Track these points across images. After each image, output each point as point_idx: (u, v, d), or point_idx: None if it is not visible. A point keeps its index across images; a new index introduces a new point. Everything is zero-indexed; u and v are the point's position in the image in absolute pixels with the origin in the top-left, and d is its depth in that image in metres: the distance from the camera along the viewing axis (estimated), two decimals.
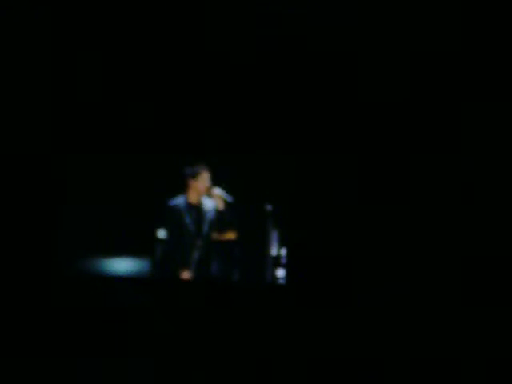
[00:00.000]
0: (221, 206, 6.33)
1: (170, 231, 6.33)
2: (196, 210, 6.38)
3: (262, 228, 6.58)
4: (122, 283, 5.51)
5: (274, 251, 6.64)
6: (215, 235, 6.37)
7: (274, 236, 6.63)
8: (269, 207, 6.55)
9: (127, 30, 6.13)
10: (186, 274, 6.23)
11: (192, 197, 6.38)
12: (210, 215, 6.38)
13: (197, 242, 6.29)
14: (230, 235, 6.46)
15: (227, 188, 6.42)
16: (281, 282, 6.55)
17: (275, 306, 5.65)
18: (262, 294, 5.79)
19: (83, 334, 5.01)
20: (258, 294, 5.81)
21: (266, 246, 6.58)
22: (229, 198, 6.36)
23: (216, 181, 6.39)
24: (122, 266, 6.41)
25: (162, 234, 6.32)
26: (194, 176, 6.32)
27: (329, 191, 5.98)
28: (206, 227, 6.35)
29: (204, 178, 6.32)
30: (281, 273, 6.63)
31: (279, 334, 5.29)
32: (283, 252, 6.67)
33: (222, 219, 6.34)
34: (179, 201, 6.39)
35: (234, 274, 6.50)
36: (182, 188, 6.38)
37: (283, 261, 6.65)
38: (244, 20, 6.15)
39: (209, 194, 6.34)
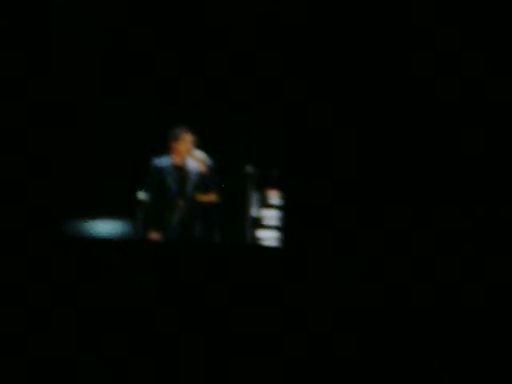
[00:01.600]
0: (202, 168, 6.32)
1: (151, 191, 6.28)
2: (179, 171, 6.33)
3: (242, 190, 6.57)
4: (105, 245, 5.52)
5: (254, 213, 6.65)
6: (197, 197, 6.36)
7: (254, 198, 6.64)
8: (249, 169, 6.54)
9: None
10: (155, 235, 6.22)
11: (176, 158, 6.35)
12: (193, 177, 6.36)
13: (179, 202, 6.29)
14: (212, 198, 6.45)
15: (210, 149, 6.41)
16: (262, 243, 6.57)
17: (257, 267, 5.63)
18: (241, 256, 5.77)
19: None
20: (238, 255, 5.79)
21: (246, 208, 6.58)
22: (209, 161, 6.35)
23: (199, 142, 6.37)
24: (105, 228, 6.38)
25: (142, 195, 6.31)
26: (176, 138, 6.30)
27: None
28: (189, 188, 6.34)
29: (186, 141, 6.29)
30: (262, 234, 6.65)
31: (260, 299, 5.29)
32: (263, 214, 6.68)
33: (203, 182, 6.34)
34: (163, 161, 6.32)
35: (215, 236, 6.49)
36: (166, 149, 6.34)
37: (263, 222, 6.68)
38: None
39: (190, 156, 6.32)
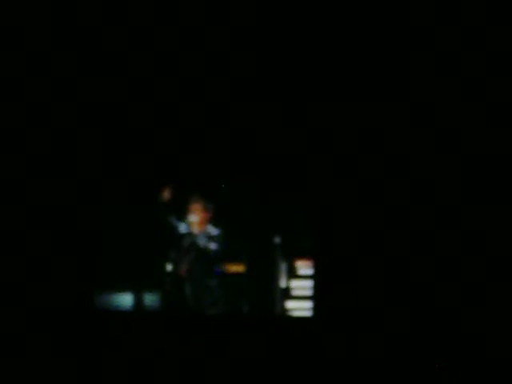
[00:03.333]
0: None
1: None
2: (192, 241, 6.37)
3: (271, 259, 6.54)
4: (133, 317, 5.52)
5: (283, 283, 6.60)
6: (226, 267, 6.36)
7: (283, 268, 6.60)
8: (277, 239, 6.52)
9: None
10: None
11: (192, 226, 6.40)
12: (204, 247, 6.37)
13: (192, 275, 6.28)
14: (238, 267, 6.42)
15: (236, 219, 6.43)
16: (291, 314, 6.50)
17: (287, 338, 5.61)
18: (271, 327, 5.75)
19: None
20: (267, 326, 5.77)
21: (274, 278, 6.53)
22: (216, 232, 6.35)
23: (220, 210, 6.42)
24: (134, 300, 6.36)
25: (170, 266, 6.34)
26: (190, 208, 6.37)
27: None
28: (199, 260, 6.35)
29: (195, 211, 6.33)
30: (291, 305, 6.59)
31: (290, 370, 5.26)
32: (292, 284, 6.63)
33: (209, 253, 6.35)
34: (183, 227, 6.42)
35: (243, 307, 6.44)
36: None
37: (292, 293, 6.62)
38: None
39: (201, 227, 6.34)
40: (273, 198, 6.90)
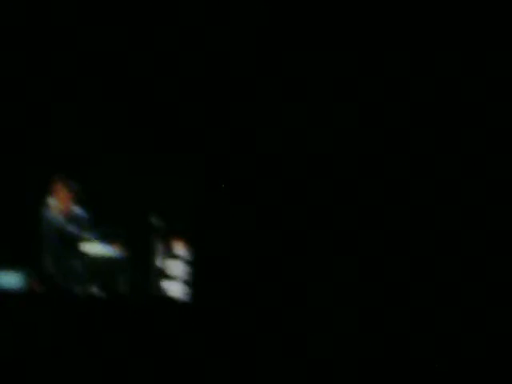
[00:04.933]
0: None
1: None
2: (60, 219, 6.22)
3: (148, 241, 6.54)
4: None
5: (159, 263, 6.62)
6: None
7: (160, 248, 6.62)
8: (154, 220, 6.52)
9: None
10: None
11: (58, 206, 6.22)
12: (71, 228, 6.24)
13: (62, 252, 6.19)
14: (116, 248, 6.37)
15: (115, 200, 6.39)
16: (167, 294, 6.54)
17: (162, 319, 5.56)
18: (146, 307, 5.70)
19: None
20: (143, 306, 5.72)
21: (151, 259, 6.55)
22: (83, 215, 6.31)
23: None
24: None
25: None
26: (54, 189, 6.19)
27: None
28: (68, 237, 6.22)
29: (61, 191, 6.18)
30: (167, 285, 6.61)
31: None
32: (168, 264, 6.66)
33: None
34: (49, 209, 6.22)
35: (120, 287, 6.41)
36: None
37: (168, 273, 6.65)
38: None
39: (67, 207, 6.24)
40: (148, 176, 6.89)
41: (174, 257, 6.72)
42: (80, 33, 6.09)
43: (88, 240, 6.20)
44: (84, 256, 6.16)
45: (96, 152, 6.85)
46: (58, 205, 6.19)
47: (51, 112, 6.73)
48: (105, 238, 6.28)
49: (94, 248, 6.22)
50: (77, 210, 6.27)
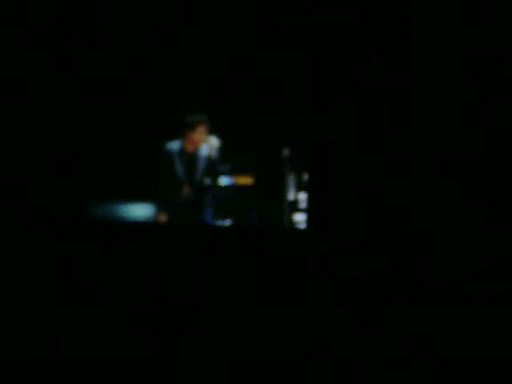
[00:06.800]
0: (214, 154, 6.53)
1: (159, 175, 6.50)
2: (189, 158, 6.51)
3: (279, 172, 6.49)
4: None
5: (291, 196, 6.52)
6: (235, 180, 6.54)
7: (291, 181, 6.50)
8: (286, 151, 6.45)
9: None
10: (163, 218, 6.46)
11: (188, 145, 6.52)
12: (202, 164, 6.52)
13: (184, 188, 6.50)
14: (247, 181, 6.55)
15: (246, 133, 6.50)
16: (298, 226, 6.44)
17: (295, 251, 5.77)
18: (278, 239, 5.96)
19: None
20: (275, 238, 6.00)
21: (282, 191, 6.50)
22: (218, 148, 6.47)
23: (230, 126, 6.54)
24: (133, 211, 6.83)
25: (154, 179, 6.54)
26: (192, 127, 6.47)
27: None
28: (197, 175, 6.51)
29: (201, 131, 6.46)
30: (299, 217, 6.50)
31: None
32: (301, 197, 6.50)
33: (213, 167, 6.50)
34: (174, 146, 6.53)
35: (251, 219, 6.59)
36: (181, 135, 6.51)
37: (301, 205, 6.50)
38: None
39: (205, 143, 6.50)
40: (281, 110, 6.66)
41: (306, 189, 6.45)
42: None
43: (219, 174, 6.61)
44: (214, 188, 6.61)
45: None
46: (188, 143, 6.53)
47: None
48: (236, 170, 6.58)
49: (225, 180, 6.60)
50: (203, 149, 6.56)
